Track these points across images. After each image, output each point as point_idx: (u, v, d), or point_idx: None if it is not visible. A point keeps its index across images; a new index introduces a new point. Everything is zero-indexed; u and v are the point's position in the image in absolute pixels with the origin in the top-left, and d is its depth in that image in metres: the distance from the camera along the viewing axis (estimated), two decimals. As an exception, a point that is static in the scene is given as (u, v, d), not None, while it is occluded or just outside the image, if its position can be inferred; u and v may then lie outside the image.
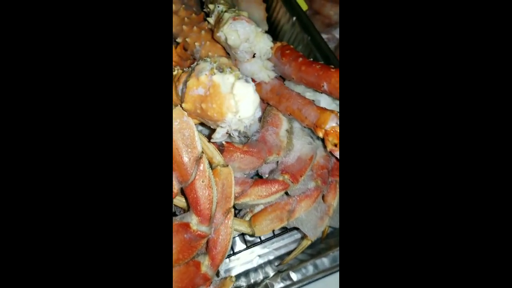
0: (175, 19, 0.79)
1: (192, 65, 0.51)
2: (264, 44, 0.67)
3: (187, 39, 0.76)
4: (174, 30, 0.79)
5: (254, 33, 0.66)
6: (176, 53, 0.67)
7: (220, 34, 0.66)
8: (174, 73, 0.54)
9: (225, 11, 0.68)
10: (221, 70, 0.47)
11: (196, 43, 0.75)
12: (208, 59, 0.49)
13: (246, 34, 0.66)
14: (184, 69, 0.52)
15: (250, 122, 0.47)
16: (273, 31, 1.04)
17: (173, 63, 0.64)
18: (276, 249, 0.82)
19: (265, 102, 0.76)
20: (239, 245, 0.82)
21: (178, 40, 0.78)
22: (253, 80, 0.74)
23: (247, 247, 0.80)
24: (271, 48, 0.70)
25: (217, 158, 0.57)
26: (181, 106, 0.50)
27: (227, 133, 0.49)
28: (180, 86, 0.50)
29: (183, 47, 0.77)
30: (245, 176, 0.65)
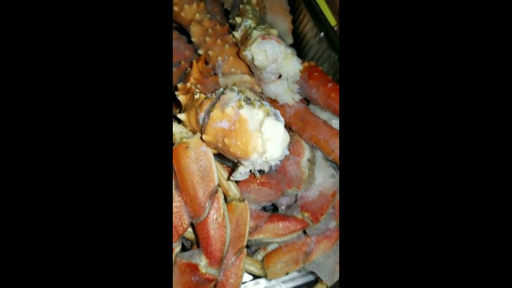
0: (198, 29, 0.74)
1: (216, 92, 0.46)
2: (292, 66, 0.62)
3: (209, 52, 0.71)
4: (196, 40, 0.74)
5: (283, 54, 0.61)
6: (197, 68, 0.62)
7: (246, 53, 0.60)
8: (196, 96, 0.48)
9: (254, 28, 0.62)
10: (249, 101, 0.42)
11: (218, 57, 0.70)
12: (235, 88, 0.44)
13: (274, 55, 0.60)
14: (208, 94, 0.47)
15: (276, 163, 0.42)
16: (298, 44, 0.98)
17: (194, 80, 0.59)
18: (284, 282, 0.77)
19: (286, 127, 0.71)
20: (244, 275, 0.77)
21: (200, 51, 0.73)
22: (276, 102, 0.69)
23: (253, 278, 0.75)
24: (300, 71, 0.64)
25: (233, 191, 0.52)
26: (201, 137, 0.45)
27: (250, 171, 0.44)
28: (202, 114, 0.45)
29: (205, 61, 0.72)
30: (260, 208, 0.60)
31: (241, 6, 0.72)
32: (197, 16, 0.75)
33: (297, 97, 0.69)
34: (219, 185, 0.49)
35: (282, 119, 0.43)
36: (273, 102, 0.69)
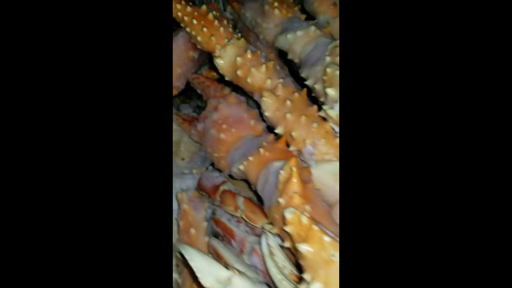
0: (273, 102, 0.58)
1: None
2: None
3: (292, 134, 0.55)
4: (271, 116, 0.58)
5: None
6: (299, 178, 0.46)
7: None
8: (334, 259, 0.33)
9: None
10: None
11: (306, 141, 0.54)
12: None
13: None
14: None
15: None
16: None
17: (302, 200, 0.43)
18: None
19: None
20: None
21: (278, 130, 0.57)
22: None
23: None
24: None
25: None
26: None
27: None
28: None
29: (286, 143, 0.56)
30: None
31: (328, 69, 0.56)
32: (269, 82, 0.60)
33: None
34: None
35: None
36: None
